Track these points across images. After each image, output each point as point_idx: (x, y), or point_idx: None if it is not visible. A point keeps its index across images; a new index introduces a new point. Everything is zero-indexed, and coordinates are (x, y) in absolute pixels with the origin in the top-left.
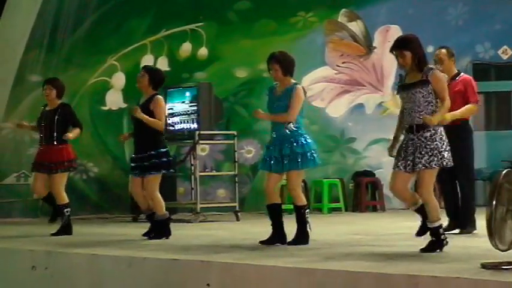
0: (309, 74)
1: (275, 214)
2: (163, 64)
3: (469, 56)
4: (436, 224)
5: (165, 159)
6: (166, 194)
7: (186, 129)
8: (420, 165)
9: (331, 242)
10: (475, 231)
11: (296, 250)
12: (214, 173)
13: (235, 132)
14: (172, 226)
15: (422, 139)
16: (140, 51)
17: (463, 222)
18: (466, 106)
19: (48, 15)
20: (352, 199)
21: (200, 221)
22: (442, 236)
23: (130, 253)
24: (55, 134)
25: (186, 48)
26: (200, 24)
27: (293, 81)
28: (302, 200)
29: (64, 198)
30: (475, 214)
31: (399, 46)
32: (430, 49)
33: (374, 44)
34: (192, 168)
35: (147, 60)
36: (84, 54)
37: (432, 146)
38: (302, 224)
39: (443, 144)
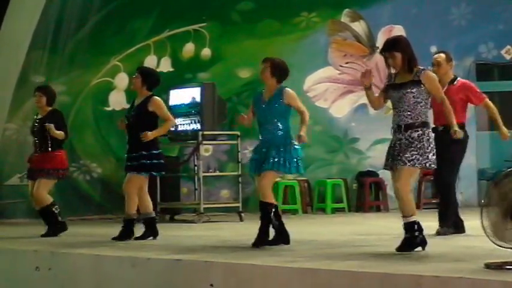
0: (312, 74)
1: (275, 215)
2: (166, 64)
3: (472, 56)
4: (411, 219)
5: (155, 161)
6: (169, 194)
7: (190, 130)
8: (401, 162)
9: (334, 242)
10: (452, 233)
11: (299, 250)
12: (217, 173)
13: (238, 133)
14: (176, 226)
15: (410, 139)
16: (143, 51)
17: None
18: (488, 105)
19: (51, 16)
20: (356, 199)
21: (204, 222)
22: (417, 233)
23: (134, 253)
24: (49, 142)
25: (189, 48)
26: (203, 24)
27: (278, 85)
28: (271, 198)
29: (47, 199)
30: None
31: (389, 47)
32: (433, 49)
33: (377, 44)
34: (196, 168)
35: (151, 60)
36: (87, 55)
37: (419, 146)
38: (266, 223)
39: (430, 145)
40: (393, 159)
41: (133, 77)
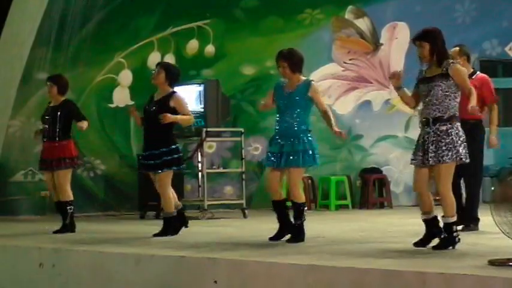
0: (316, 71)
1: (281, 209)
2: (170, 61)
3: (476, 53)
4: (451, 220)
5: (176, 155)
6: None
7: (193, 127)
8: (435, 159)
9: (338, 239)
10: (477, 229)
11: (303, 247)
12: (221, 170)
13: (242, 129)
14: None
15: (438, 133)
16: (147, 48)
17: (467, 219)
18: (493, 109)
19: (55, 13)
20: (359, 196)
21: (207, 218)
22: (455, 233)
23: (138, 250)
24: (57, 130)
25: (193, 45)
26: (207, 21)
27: (303, 77)
28: (301, 198)
29: (68, 195)
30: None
31: (419, 37)
32: None
33: (381, 41)
34: (199, 165)
35: (154, 57)
36: (91, 52)
37: (447, 141)
38: (300, 221)
39: (459, 139)
40: (423, 155)
41: (154, 72)
